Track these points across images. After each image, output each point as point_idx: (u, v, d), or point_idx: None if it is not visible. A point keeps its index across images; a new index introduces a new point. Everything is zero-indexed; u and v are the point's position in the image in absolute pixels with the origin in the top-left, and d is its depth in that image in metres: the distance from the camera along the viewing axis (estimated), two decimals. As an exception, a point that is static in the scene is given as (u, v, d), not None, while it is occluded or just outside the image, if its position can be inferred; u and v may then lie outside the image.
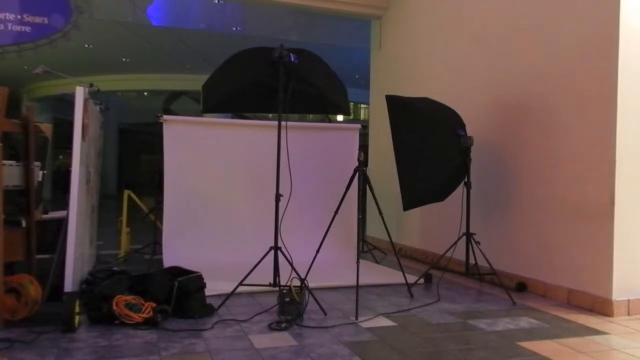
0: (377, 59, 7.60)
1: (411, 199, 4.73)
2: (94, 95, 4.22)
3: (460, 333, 3.32)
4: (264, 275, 3.79)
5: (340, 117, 13.43)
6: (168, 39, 11.38)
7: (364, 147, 6.53)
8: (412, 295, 4.28)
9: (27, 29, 6.17)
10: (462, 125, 4.53)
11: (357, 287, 3.77)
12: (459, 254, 4.41)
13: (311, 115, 13.38)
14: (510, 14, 4.88)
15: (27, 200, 3.48)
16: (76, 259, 3.52)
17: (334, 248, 5.12)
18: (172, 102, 18.88)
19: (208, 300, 3.69)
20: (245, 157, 5.70)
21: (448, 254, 4.43)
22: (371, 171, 6.16)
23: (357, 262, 3.82)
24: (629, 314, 3.75)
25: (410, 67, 6.62)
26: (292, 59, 3.92)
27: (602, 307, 3.79)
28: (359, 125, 6.21)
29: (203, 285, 3.69)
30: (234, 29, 8.19)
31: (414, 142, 4.68)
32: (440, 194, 4.67)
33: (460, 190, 4.48)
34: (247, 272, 3.76)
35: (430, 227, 6.03)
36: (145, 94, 19.81)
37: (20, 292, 3.21)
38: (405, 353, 2.92)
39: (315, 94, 4.38)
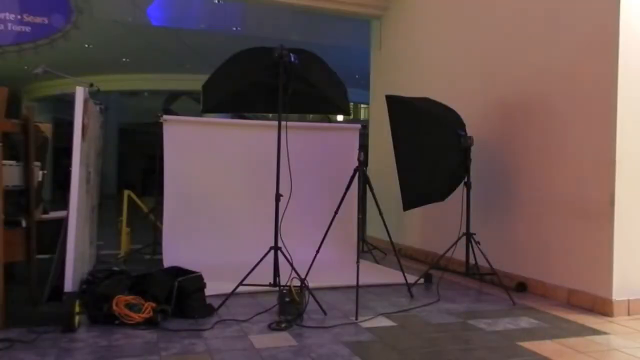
0: (377, 59, 7.60)
1: (411, 199, 4.73)
2: (94, 95, 4.22)
3: (460, 333, 3.32)
4: (264, 275, 3.79)
5: (340, 117, 13.43)
6: (168, 39, 11.38)
7: (364, 147, 6.52)
8: (412, 295, 4.28)
9: (27, 29, 6.17)
10: (462, 125, 4.53)
11: (357, 287, 3.76)
12: (459, 254, 4.41)
13: (311, 115, 13.37)
14: (510, 14, 4.88)
15: (27, 200, 3.48)
16: (76, 259, 3.52)
17: (334, 248, 5.12)
18: (172, 102, 18.86)
19: (208, 300, 3.69)
20: (246, 157, 5.70)
21: (448, 254, 4.43)
22: (371, 171, 6.16)
23: (357, 262, 3.82)
24: (629, 314, 3.75)
25: (410, 67, 6.61)
26: (292, 59, 3.92)
27: (602, 307, 3.79)
28: (359, 125, 6.21)
29: (203, 285, 3.69)
30: (234, 29, 8.18)
31: (414, 142, 4.68)
32: (440, 194, 4.67)
33: (460, 190, 4.48)
34: (247, 272, 3.76)
35: (430, 227, 6.03)
36: (146, 94, 19.80)
37: None
38: (405, 353, 2.92)
39: (315, 94, 4.38)
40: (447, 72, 5.83)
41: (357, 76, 12.23)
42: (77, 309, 3.18)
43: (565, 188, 4.19)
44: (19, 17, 6.13)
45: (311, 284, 3.79)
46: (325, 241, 4.38)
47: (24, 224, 3.45)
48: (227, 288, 3.86)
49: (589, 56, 4.01)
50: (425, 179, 4.63)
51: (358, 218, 4.31)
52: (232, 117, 11.27)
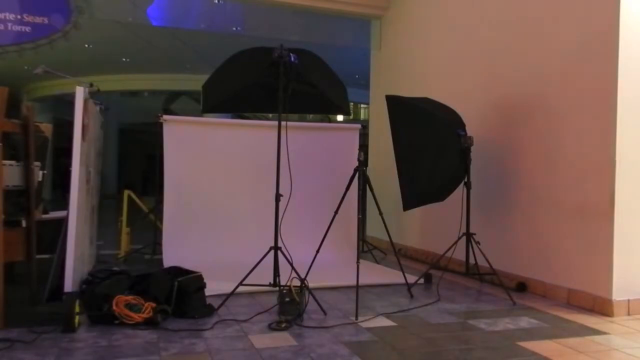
0: (377, 59, 7.60)
1: (411, 199, 4.73)
2: (94, 95, 4.22)
3: (460, 333, 3.32)
4: (264, 275, 3.79)
5: (340, 117, 13.43)
6: (168, 39, 11.38)
7: (364, 147, 6.52)
8: (412, 295, 4.28)
9: (27, 29, 6.17)
10: (462, 125, 4.53)
11: (357, 287, 3.76)
12: (459, 254, 4.41)
13: (311, 115, 13.38)
14: (510, 14, 4.88)
15: (27, 200, 3.48)
16: (76, 259, 3.52)
17: (334, 248, 5.12)
18: (172, 102, 18.87)
19: (208, 300, 3.69)
20: (246, 157, 5.70)
21: (448, 254, 4.43)
22: (371, 171, 6.16)
23: (357, 262, 3.82)
24: (629, 314, 3.75)
25: (410, 67, 6.61)
26: (292, 59, 3.92)
27: (602, 307, 3.79)
28: (359, 125, 6.21)
29: (203, 285, 3.69)
30: (234, 29, 8.18)
31: (414, 142, 4.68)
32: (440, 194, 4.67)
33: (460, 190, 4.48)
34: (247, 272, 3.76)
35: (430, 227, 6.03)
36: (146, 94, 19.81)
37: None
38: (405, 353, 2.92)
39: (315, 94, 4.38)
40: (447, 72, 5.82)
41: (357, 76, 12.24)
42: (77, 309, 3.18)
43: (565, 188, 4.19)
44: (19, 17, 6.13)
45: (311, 284, 3.79)
46: (325, 241, 4.38)
47: (24, 224, 3.45)
48: (227, 288, 3.86)
49: (589, 56, 4.01)
50: (425, 179, 4.63)
51: (358, 218, 4.32)
52: (232, 117, 11.28)
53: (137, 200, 6.38)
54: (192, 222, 5.50)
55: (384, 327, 3.41)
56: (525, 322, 3.57)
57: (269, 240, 3.90)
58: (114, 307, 3.26)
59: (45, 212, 4.29)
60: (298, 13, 7.48)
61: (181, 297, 3.50)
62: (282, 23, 7.84)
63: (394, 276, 4.89)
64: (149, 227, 6.17)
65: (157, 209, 5.93)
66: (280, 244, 3.86)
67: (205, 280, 3.72)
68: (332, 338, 3.13)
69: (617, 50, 3.77)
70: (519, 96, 4.73)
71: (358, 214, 4.27)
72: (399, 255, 4.91)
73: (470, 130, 4.52)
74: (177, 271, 3.77)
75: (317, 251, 4.37)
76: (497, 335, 3.27)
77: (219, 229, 5.55)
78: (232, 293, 3.81)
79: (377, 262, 5.90)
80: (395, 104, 4.86)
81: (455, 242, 4.40)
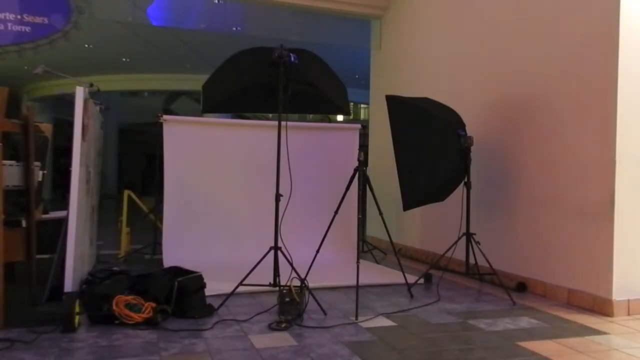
0: (377, 59, 7.60)
1: (411, 199, 4.73)
2: (94, 95, 4.22)
3: (460, 333, 3.32)
4: (264, 275, 3.79)
5: (340, 117, 13.43)
6: (168, 39, 11.38)
7: (364, 147, 6.52)
8: (412, 295, 4.28)
9: (27, 29, 6.18)
10: (462, 125, 4.54)
11: (357, 287, 3.77)
12: (459, 254, 4.41)
13: (311, 115, 13.37)
14: (510, 14, 4.88)
15: (27, 200, 3.48)
16: (76, 259, 3.52)
17: (334, 248, 5.12)
18: (172, 102, 18.87)
19: (208, 300, 3.69)
20: (245, 157, 5.70)
21: (448, 254, 4.43)
22: (371, 171, 6.16)
23: (357, 262, 3.82)
24: (629, 314, 3.75)
25: (410, 67, 6.62)
26: (292, 59, 3.92)
27: (602, 307, 3.79)
28: (359, 125, 6.21)
29: (203, 285, 3.69)
30: (234, 29, 8.19)
31: (414, 142, 4.68)
32: (440, 194, 4.67)
33: (460, 190, 4.48)
34: (247, 272, 3.76)
35: (430, 227, 6.03)
36: (146, 94, 19.80)
37: None
38: (405, 353, 2.92)
39: (315, 94, 4.39)
40: (447, 72, 5.83)
41: (357, 76, 12.24)
42: (77, 309, 3.18)
43: (565, 188, 4.19)
44: (19, 17, 6.14)
45: (311, 284, 3.79)
46: (325, 241, 4.39)
47: (24, 224, 3.45)
48: (227, 288, 3.86)
49: (589, 56, 4.01)
50: (425, 179, 4.63)
51: (358, 218, 4.32)
52: (232, 117, 11.28)
53: (137, 200, 6.38)
54: (192, 222, 5.50)
55: (384, 327, 3.41)
56: (525, 322, 3.57)
57: (269, 240, 3.90)
58: (114, 307, 3.26)
59: (45, 212, 4.29)
60: (298, 13, 7.49)
61: (181, 297, 3.50)
62: (282, 23, 7.84)
63: (394, 276, 4.89)
64: (149, 227, 6.16)
65: (157, 209, 5.93)
66: (280, 244, 3.86)
67: (205, 280, 3.72)
68: (332, 338, 3.13)
69: (617, 50, 3.77)
70: (519, 96, 4.73)
71: (358, 214, 4.27)
72: (399, 255, 4.91)
73: (470, 130, 4.52)
74: (177, 271, 3.77)
75: (317, 251, 4.37)
76: (497, 335, 3.27)
77: (219, 228, 5.55)
78: (232, 293, 3.82)
79: (377, 262, 5.90)
80: (395, 104, 4.86)
81: (455, 242, 4.40)
